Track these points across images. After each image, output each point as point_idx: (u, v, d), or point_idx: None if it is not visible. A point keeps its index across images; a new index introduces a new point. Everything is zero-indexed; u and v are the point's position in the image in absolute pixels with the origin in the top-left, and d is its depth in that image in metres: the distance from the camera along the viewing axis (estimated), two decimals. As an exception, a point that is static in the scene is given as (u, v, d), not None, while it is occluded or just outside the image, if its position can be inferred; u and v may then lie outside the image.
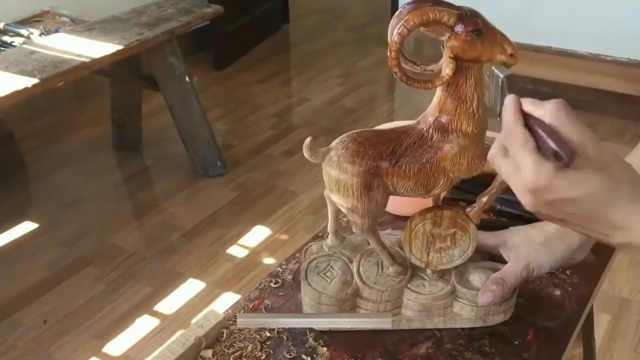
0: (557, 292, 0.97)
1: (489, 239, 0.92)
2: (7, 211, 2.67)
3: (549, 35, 3.47)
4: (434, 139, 0.80)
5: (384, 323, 0.86)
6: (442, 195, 0.89)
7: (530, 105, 0.64)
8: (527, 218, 1.10)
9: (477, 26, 0.74)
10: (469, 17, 0.74)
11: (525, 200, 0.64)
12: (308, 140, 0.81)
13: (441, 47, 0.79)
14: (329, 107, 3.54)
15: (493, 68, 0.75)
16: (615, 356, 2.01)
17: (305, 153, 0.81)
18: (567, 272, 1.01)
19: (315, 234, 1.10)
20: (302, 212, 2.66)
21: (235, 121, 3.41)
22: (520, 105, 0.64)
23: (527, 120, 0.63)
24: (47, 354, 2.01)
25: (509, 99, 0.65)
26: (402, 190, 0.82)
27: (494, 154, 0.66)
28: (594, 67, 3.41)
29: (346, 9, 5.14)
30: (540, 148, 0.61)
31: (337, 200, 0.83)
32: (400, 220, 1.09)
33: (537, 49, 3.44)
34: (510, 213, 1.11)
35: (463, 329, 0.89)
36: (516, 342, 0.87)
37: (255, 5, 4.28)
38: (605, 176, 0.60)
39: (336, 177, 0.81)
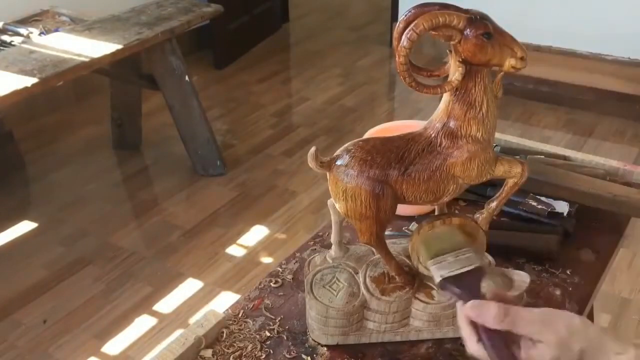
0: (557, 292, 0.97)
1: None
2: (6, 211, 2.66)
3: (549, 35, 3.47)
4: (442, 146, 0.79)
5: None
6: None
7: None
8: (526, 217, 1.10)
9: (487, 29, 0.73)
10: (479, 21, 0.73)
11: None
12: (313, 150, 0.78)
13: (448, 51, 0.78)
14: (328, 107, 3.54)
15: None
16: (615, 356, 2.00)
17: (311, 163, 0.79)
18: (568, 272, 1.00)
19: (315, 233, 1.10)
20: (302, 212, 2.66)
21: (234, 121, 3.41)
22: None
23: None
24: (46, 353, 2.00)
25: None
26: (411, 198, 0.81)
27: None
28: (594, 66, 3.41)
29: (346, 9, 5.14)
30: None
31: (344, 210, 0.81)
32: (399, 220, 1.08)
33: (537, 49, 3.44)
34: (510, 213, 1.11)
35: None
36: (516, 342, 0.86)
37: (255, 4, 4.28)
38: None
39: (343, 187, 0.78)
